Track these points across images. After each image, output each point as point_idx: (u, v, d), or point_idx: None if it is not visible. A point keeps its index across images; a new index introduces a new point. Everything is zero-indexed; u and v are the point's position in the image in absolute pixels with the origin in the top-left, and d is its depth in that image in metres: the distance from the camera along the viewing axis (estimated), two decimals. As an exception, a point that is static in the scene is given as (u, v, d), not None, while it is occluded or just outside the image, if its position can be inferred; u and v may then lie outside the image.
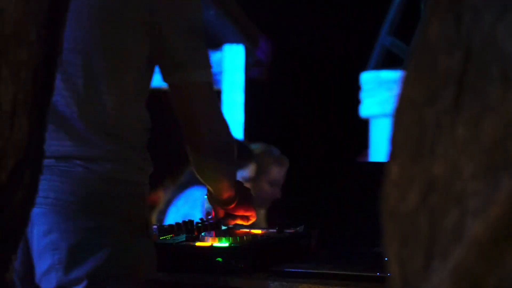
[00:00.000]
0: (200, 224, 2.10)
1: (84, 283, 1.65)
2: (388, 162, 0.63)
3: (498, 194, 0.54)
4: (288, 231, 2.18)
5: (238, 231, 2.09)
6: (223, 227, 2.19)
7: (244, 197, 2.08)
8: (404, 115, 0.62)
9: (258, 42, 6.23)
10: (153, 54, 1.75)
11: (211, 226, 2.12)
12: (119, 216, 1.70)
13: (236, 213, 2.10)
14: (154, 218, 4.33)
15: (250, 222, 2.13)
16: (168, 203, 3.72)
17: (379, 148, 5.39)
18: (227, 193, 2.02)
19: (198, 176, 1.96)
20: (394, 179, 0.62)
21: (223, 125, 1.87)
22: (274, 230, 2.18)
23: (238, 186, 2.06)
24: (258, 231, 2.16)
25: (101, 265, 1.66)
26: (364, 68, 5.84)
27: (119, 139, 1.73)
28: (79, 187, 1.68)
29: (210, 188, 2.03)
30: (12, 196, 0.89)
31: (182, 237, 2.00)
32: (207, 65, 1.79)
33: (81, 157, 1.69)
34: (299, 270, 1.87)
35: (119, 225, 1.69)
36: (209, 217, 2.20)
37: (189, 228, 2.08)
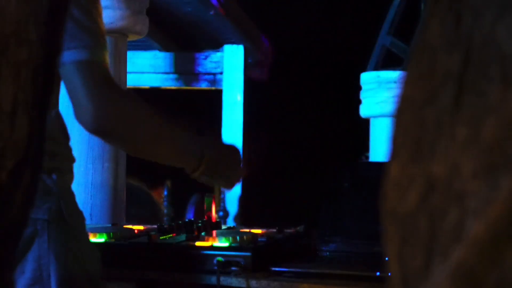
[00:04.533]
0: (200, 224, 2.10)
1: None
2: (388, 162, 0.63)
3: (498, 194, 0.54)
4: (288, 231, 2.18)
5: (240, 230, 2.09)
6: (223, 226, 2.19)
7: (220, 158, 1.78)
8: (404, 115, 0.62)
9: (258, 42, 6.23)
10: None
11: (211, 226, 2.12)
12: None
13: (215, 179, 1.80)
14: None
15: (231, 187, 1.84)
16: None
17: (379, 148, 5.39)
18: (174, 159, 1.77)
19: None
20: (394, 179, 0.62)
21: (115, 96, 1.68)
22: (274, 230, 2.18)
23: (208, 145, 1.76)
24: (258, 231, 2.16)
25: None
26: (364, 68, 5.84)
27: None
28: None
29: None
30: (12, 196, 0.89)
31: (182, 237, 2.01)
32: (82, 44, 1.64)
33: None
34: (299, 270, 1.87)
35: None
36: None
37: (189, 228, 2.08)
